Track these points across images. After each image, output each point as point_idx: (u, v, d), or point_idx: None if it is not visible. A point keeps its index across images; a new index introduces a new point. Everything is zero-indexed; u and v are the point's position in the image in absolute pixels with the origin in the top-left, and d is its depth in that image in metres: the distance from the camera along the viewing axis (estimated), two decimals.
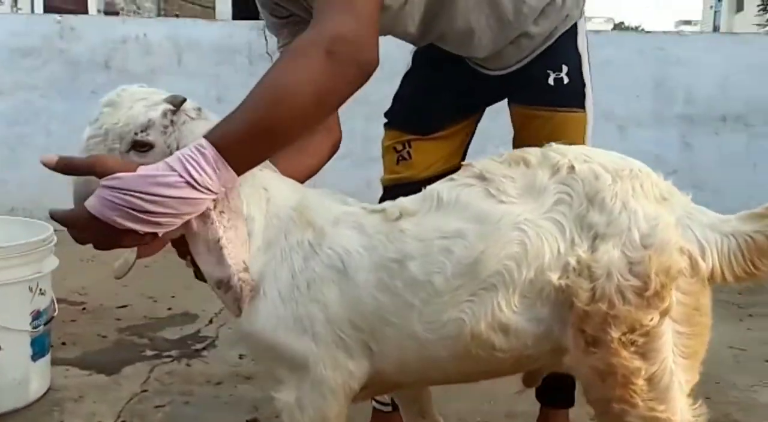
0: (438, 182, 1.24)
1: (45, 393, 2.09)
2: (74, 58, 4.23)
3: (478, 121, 1.73)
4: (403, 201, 1.24)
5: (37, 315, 2.00)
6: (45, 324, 2.04)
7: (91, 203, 1.05)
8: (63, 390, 2.14)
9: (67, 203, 1.17)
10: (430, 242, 1.17)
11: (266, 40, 4.18)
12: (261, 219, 1.22)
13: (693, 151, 4.09)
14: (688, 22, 43.74)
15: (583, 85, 1.58)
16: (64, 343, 2.46)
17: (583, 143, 1.56)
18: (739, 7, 27.80)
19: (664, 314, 1.10)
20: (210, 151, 1.06)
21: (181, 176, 1.04)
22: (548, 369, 1.31)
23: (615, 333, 1.10)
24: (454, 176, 1.24)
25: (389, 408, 1.76)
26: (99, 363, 2.33)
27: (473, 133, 1.73)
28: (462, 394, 2.15)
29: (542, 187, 1.16)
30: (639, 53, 4.04)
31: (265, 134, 1.10)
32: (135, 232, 1.06)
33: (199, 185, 1.06)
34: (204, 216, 1.12)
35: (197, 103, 1.23)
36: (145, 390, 2.16)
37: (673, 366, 1.12)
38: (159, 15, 15.78)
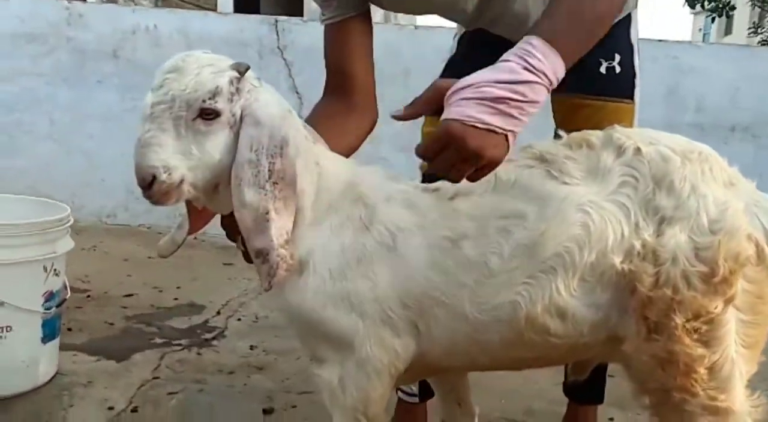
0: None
1: (53, 378, 2.04)
2: (81, 47, 4.18)
3: None
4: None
5: (49, 297, 1.96)
6: (57, 306, 2.00)
7: (451, 114, 1.05)
8: (71, 375, 2.09)
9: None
10: (487, 222, 1.14)
11: (277, 34, 4.15)
12: (311, 193, 1.19)
13: None
14: None
15: (634, 75, 1.55)
16: (70, 329, 2.40)
17: None
18: (728, 30, 28.07)
19: (729, 301, 1.08)
20: (536, 41, 1.07)
21: (518, 62, 1.06)
22: (599, 358, 1.28)
23: (679, 320, 1.07)
24: (512, 157, 1.19)
25: (416, 399, 1.72)
26: (107, 350, 2.29)
27: None
28: (480, 390, 2.11)
29: (606, 169, 1.13)
30: (652, 61, 4.03)
31: (586, 25, 1.15)
32: (490, 143, 1.04)
33: (535, 69, 1.06)
34: (260, 187, 1.11)
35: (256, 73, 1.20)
36: (157, 377, 2.12)
37: (735, 355, 1.10)
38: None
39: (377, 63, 1.52)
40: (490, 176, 1.14)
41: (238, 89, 1.14)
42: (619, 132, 1.17)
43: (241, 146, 1.13)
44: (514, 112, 1.05)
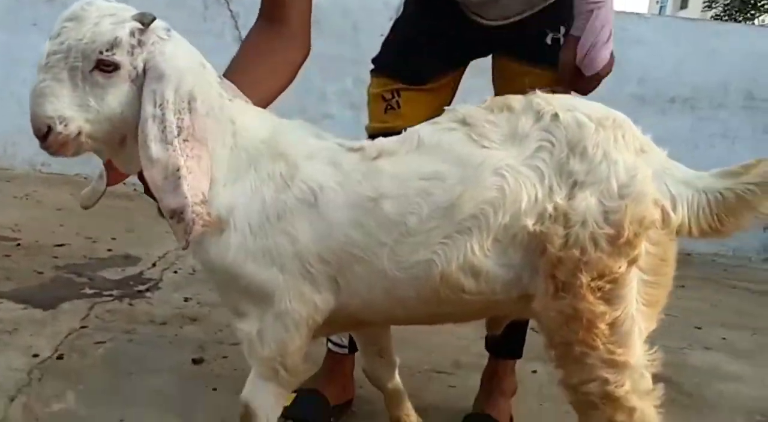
0: (420, 125, 1.23)
1: None
2: None
3: (461, 75, 1.70)
4: (383, 141, 1.23)
5: None
6: None
7: (597, 64, 1.44)
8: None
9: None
10: (408, 183, 1.16)
11: None
12: (225, 153, 1.18)
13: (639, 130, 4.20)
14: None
15: None
16: None
17: None
18: (684, 4, 28.51)
19: (632, 262, 1.12)
20: None
21: (601, 3, 1.39)
22: (512, 315, 1.32)
23: (585, 279, 1.11)
24: (437, 119, 1.23)
25: (345, 351, 1.75)
26: (35, 298, 2.24)
27: (457, 88, 1.71)
28: (410, 345, 2.16)
29: (525, 133, 1.16)
30: None
31: None
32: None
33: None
34: (167, 143, 1.09)
35: (166, 23, 1.16)
36: (85, 327, 2.09)
37: (635, 312, 1.15)
38: None
39: (326, 18, 1.50)
40: (414, 136, 1.20)
41: (140, 41, 1.10)
42: (539, 98, 1.19)
43: (144, 101, 1.10)
44: (611, 36, 1.43)
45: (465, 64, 1.70)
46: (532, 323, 2.45)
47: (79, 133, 1.10)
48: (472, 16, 1.58)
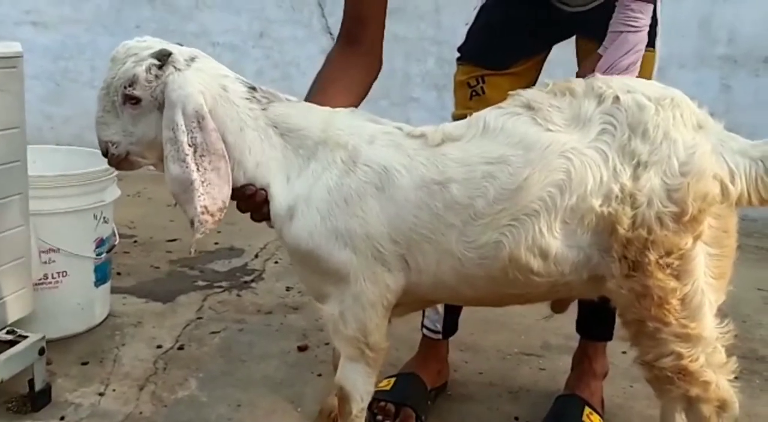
0: (485, 110, 1.29)
1: (105, 319, 2.22)
2: None
3: (545, 58, 1.76)
4: (447, 126, 1.30)
5: (100, 243, 2.11)
6: (107, 252, 2.15)
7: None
8: (122, 316, 2.26)
9: None
10: (474, 167, 1.22)
11: None
12: (278, 154, 1.30)
13: (731, 93, 4.04)
14: None
15: (655, 25, 1.60)
16: (119, 273, 2.57)
17: (651, 80, 1.62)
18: None
19: (697, 237, 1.17)
20: (632, 3, 1.36)
21: (627, 30, 1.39)
22: (581, 296, 1.39)
23: (653, 256, 1.16)
24: (501, 104, 1.29)
25: (439, 336, 1.85)
26: (154, 292, 2.46)
27: (541, 69, 1.76)
28: (499, 327, 2.24)
29: (587, 117, 1.20)
30: None
31: None
32: None
33: (640, 26, 1.39)
34: (180, 161, 1.22)
35: (194, 51, 1.31)
36: (200, 318, 2.29)
37: (705, 286, 1.19)
38: None
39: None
40: (478, 122, 1.27)
41: (157, 76, 1.25)
42: (600, 81, 1.24)
43: (163, 127, 1.25)
44: (638, 64, 1.40)
45: (547, 49, 1.75)
46: None
47: (128, 153, 1.31)
48: (556, 4, 1.64)
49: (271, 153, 1.30)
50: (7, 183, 1.70)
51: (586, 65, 1.47)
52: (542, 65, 1.76)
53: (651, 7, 1.40)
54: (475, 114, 1.29)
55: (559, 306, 1.48)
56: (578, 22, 1.63)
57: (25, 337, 1.73)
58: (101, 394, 1.81)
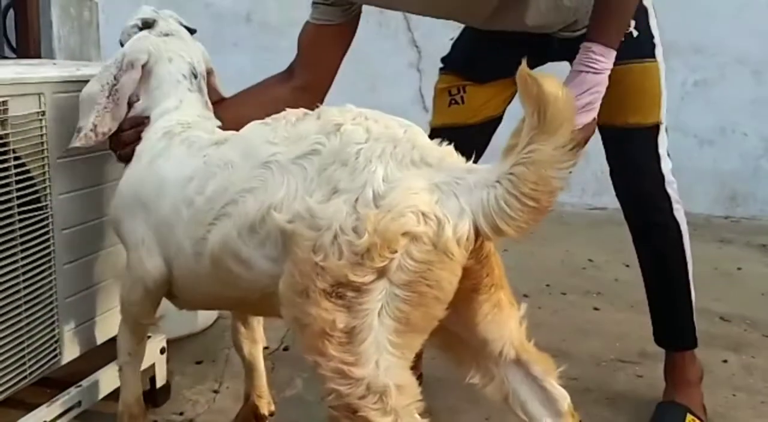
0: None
1: (215, 321, 2.34)
2: (219, 12, 4.47)
3: None
4: (229, 132, 1.40)
5: None
6: None
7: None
8: (231, 318, 2.38)
9: None
10: (210, 168, 1.31)
11: None
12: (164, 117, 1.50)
13: None
14: None
15: (652, 36, 1.65)
16: None
17: (659, 91, 1.67)
18: None
19: (380, 275, 1.06)
20: (596, 47, 1.40)
21: (587, 71, 1.39)
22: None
23: (320, 284, 1.08)
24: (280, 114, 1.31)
25: None
26: None
27: None
28: (594, 334, 2.26)
29: (305, 135, 1.21)
30: None
31: (627, 15, 1.49)
32: (588, 130, 1.41)
33: (601, 69, 1.40)
34: (100, 84, 1.50)
35: (182, 32, 1.60)
36: None
37: (377, 323, 1.07)
38: None
39: None
40: (245, 128, 1.33)
41: (136, 32, 1.58)
42: (346, 110, 1.23)
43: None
44: (596, 104, 1.40)
45: (535, 67, 1.75)
46: (720, 310, 2.46)
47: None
48: (546, 30, 1.66)
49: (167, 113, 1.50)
50: None
51: None
52: None
53: (613, 52, 1.40)
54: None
55: (444, 345, 1.33)
56: (567, 49, 1.57)
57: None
58: (216, 392, 1.94)
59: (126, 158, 1.50)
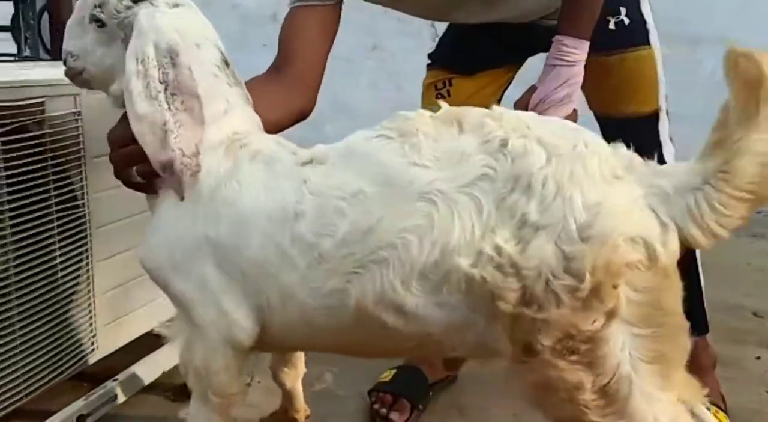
0: (364, 130, 1.11)
1: None
2: (245, 12, 4.50)
3: (519, 66, 1.79)
4: (321, 147, 1.14)
5: None
6: None
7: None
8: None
9: None
10: (328, 201, 1.05)
11: None
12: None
13: None
14: None
15: (645, 22, 1.61)
16: None
17: (656, 78, 1.62)
18: None
19: (610, 316, 0.94)
20: (567, 40, 1.38)
21: (561, 64, 1.37)
22: (475, 358, 1.13)
23: (546, 341, 0.94)
24: (384, 122, 1.09)
25: None
26: None
27: (513, 78, 1.80)
28: None
29: (466, 155, 0.99)
30: None
31: (597, 4, 1.42)
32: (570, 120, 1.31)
33: (574, 61, 1.37)
34: (152, 98, 1.12)
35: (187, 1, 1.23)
36: None
37: (632, 373, 0.96)
38: None
39: None
40: (349, 143, 1.11)
41: (128, 7, 1.18)
42: (496, 116, 1.03)
43: (127, 59, 1.14)
44: (574, 96, 1.38)
45: (523, 59, 1.78)
46: (753, 306, 2.42)
47: (84, 70, 1.27)
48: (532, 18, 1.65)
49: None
50: None
51: (523, 97, 1.42)
52: (516, 72, 1.78)
53: (586, 43, 1.39)
54: (356, 133, 1.11)
55: (450, 364, 1.29)
56: (552, 38, 1.55)
57: None
58: (248, 385, 1.96)
59: (147, 187, 1.22)
